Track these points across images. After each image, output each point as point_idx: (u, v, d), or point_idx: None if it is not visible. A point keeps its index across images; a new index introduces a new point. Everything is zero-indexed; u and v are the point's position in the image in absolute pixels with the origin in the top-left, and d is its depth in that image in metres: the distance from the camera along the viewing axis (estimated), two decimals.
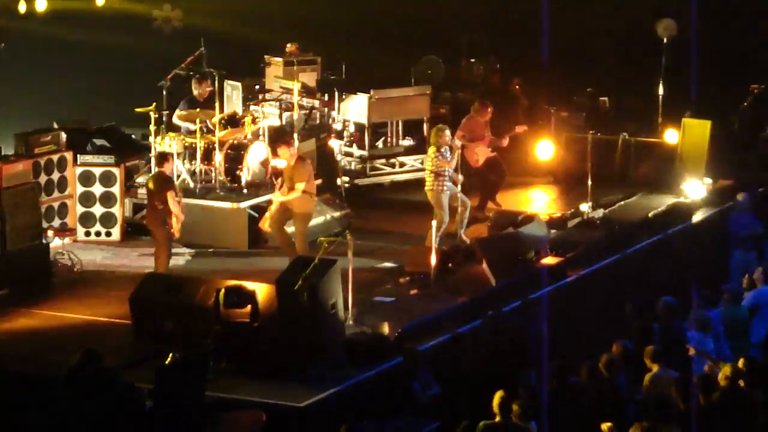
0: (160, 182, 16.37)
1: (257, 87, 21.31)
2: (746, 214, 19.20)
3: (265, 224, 17.01)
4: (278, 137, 17.90)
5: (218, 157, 18.38)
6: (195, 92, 19.32)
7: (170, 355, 12.56)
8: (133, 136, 20.64)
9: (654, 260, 18.17)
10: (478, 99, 19.77)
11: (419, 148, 20.54)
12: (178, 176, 18.46)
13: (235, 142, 18.63)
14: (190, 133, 18.60)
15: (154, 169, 17.44)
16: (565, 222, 18.69)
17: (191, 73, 19.63)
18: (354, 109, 20.86)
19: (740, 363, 12.89)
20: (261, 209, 18.29)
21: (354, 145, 20.91)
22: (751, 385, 12.61)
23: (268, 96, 20.84)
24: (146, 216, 16.86)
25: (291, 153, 16.92)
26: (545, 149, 20.41)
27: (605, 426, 11.68)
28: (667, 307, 14.83)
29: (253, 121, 18.90)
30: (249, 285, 14.18)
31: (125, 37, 24.25)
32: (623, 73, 23.99)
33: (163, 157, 16.85)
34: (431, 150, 17.36)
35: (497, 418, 11.99)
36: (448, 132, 17.45)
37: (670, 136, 20.90)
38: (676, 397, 12.39)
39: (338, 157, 20.18)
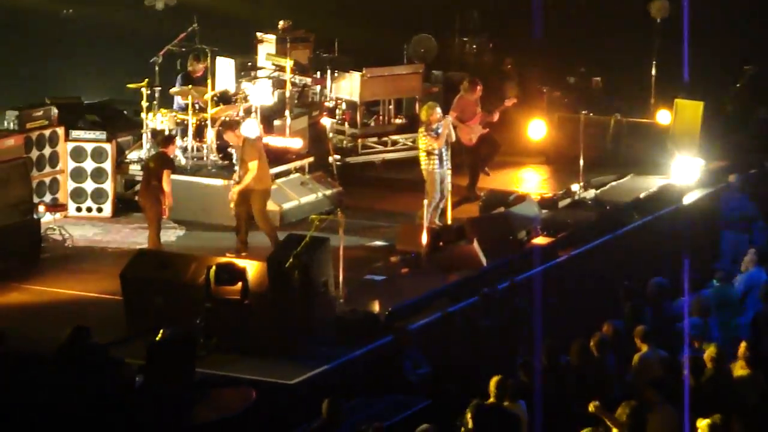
0: (161, 162, 16.35)
1: (249, 64, 21.26)
2: (738, 195, 19.21)
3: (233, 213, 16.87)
4: (224, 124, 17.71)
5: (210, 134, 18.35)
6: (190, 68, 19.28)
7: (161, 331, 12.57)
8: (125, 112, 20.60)
9: (645, 241, 18.18)
10: (467, 78, 19.70)
11: (411, 127, 20.50)
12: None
13: (227, 119, 18.58)
14: (183, 109, 18.57)
15: (154, 148, 17.46)
16: (556, 202, 18.69)
17: (183, 49, 19.60)
18: (346, 87, 20.82)
19: (741, 348, 12.89)
20: None
21: (346, 123, 20.88)
22: (750, 367, 12.66)
23: (260, 73, 20.79)
24: (139, 192, 16.83)
25: (236, 135, 16.85)
26: (537, 129, 20.39)
27: (592, 405, 11.70)
28: (658, 287, 14.85)
29: (245, 99, 18.87)
30: (240, 262, 14.20)
31: (118, 14, 24.17)
32: (616, 54, 23.95)
33: (169, 140, 16.96)
34: (422, 128, 17.29)
35: (491, 399, 11.99)
36: (438, 109, 17.28)
37: (663, 116, 20.90)
38: (665, 377, 12.41)
39: (330, 135, 20.14)
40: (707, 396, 12.19)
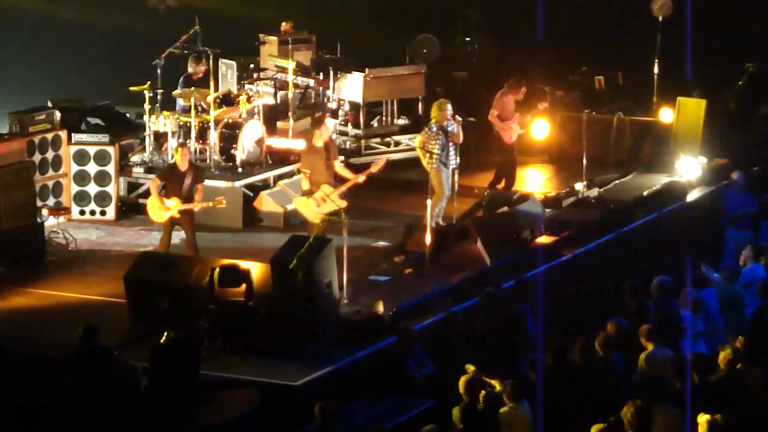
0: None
1: (252, 66, 21.27)
2: (741, 192, 19.20)
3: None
4: (315, 122, 17.45)
5: (213, 136, 18.36)
6: (191, 70, 19.30)
7: (165, 333, 12.57)
8: (128, 115, 20.61)
9: (649, 239, 18.18)
10: (513, 76, 19.55)
11: (414, 127, 20.50)
12: (172, 156, 18.44)
13: (230, 121, 18.60)
14: (186, 111, 18.58)
15: (156, 150, 17.55)
16: (560, 201, 18.68)
17: (185, 51, 19.61)
18: (349, 88, 20.82)
19: (738, 342, 12.89)
20: (255, 188, 18.30)
21: (349, 124, 20.89)
22: (749, 363, 12.63)
23: (262, 75, 20.80)
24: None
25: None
26: (540, 128, 20.36)
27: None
28: (662, 285, 14.82)
29: (248, 100, 18.88)
30: (244, 264, 14.19)
31: (120, 16, 24.19)
32: (619, 52, 23.95)
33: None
34: (426, 127, 17.25)
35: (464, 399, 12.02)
36: (449, 107, 17.16)
37: (665, 115, 20.88)
38: (671, 376, 12.38)
39: (333, 136, 20.14)
40: (716, 397, 12.14)
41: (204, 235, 17.51)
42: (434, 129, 17.01)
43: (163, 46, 19.67)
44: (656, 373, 12.46)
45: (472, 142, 19.74)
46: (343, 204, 15.93)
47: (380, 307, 14.58)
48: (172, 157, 18.35)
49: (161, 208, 16.13)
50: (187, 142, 18.36)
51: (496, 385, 12.23)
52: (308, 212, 16.26)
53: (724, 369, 12.52)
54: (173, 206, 16.08)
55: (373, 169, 16.59)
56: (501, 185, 19.15)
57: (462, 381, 12.15)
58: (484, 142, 20.10)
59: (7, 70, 22.58)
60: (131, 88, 18.74)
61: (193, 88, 18.72)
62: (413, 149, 20.06)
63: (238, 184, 18.05)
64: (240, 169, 18.34)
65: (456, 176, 17.23)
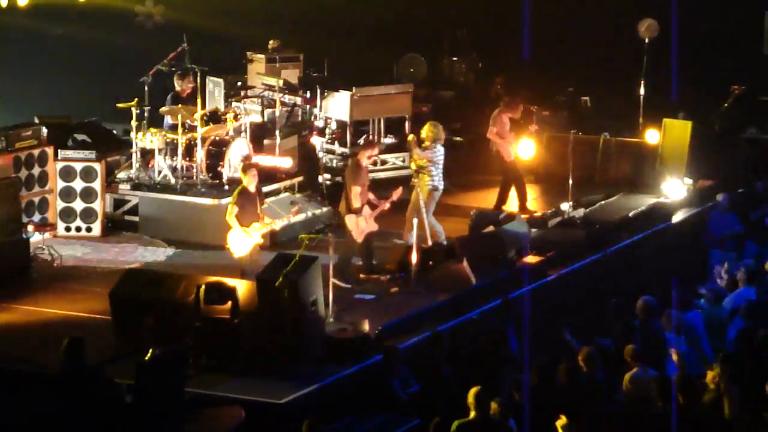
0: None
1: (239, 83, 21.29)
2: (726, 214, 19.27)
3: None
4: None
5: (200, 154, 18.37)
6: (177, 88, 19.32)
7: (150, 350, 12.54)
8: (115, 132, 20.60)
9: (634, 259, 18.21)
10: (507, 95, 19.70)
11: (401, 146, 20.54)
12: (159, 172, 18.44)
13: (217, 138, 18.61)
14: (173, 128, 18.59)
15: (143, 168, 17.51)
16: (545, 221, 18.71)
17: (173, 68, 19.63)
18: (336, 106, 20.85)
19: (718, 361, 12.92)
20: None
21: (336, 142, 20.91)
22: (730, 382, 12.65)
23: (250, 92, 20.82)
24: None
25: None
26: (527, 148, 20.39)
27: (560, 423, 11.75)
28: (646, 306, 14.86)
29: (235, 118, 18.89)
30: (229, 281, 14.18)
31: (107, 33, 24.20)
32: (605, 73, 24.04)
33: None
34: (417, 148, 17.38)
35: (472, 414, 11.95)
36: (441, 128, 17.52)
37: (651, 136, 20.95)
38: (655, 397, 12.41)
39: (320, 155, 20.16)
40: (705, 418, 12.15)
41: (189, 252, 17.53)
42: (438, 148, 17.20)
43: (151, 63, 19.67)
44: (640, 394, 12.49)
45: (460, 162, 19.78)
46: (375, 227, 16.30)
47: (366, 326, 14.58)
48: (159, 173, 18.37)
49: (248, 237, 15.61)
50: (174, 158, 18.37)
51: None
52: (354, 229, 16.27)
53: (713, 389, 12.54)
54: (258, 231, 15.77)
55: (394, 197, 16.67)
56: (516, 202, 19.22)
57: (472, 393, 12.10)
58: (473, 161, 20.14)
59: None
60: (118, 105, 18.74)
61: (180, 105, 18.74)
62: (399, 168, 20.17)
63: (224, 201, 18.02)
64: (226, 187, 18.33)
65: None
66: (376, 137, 21.13)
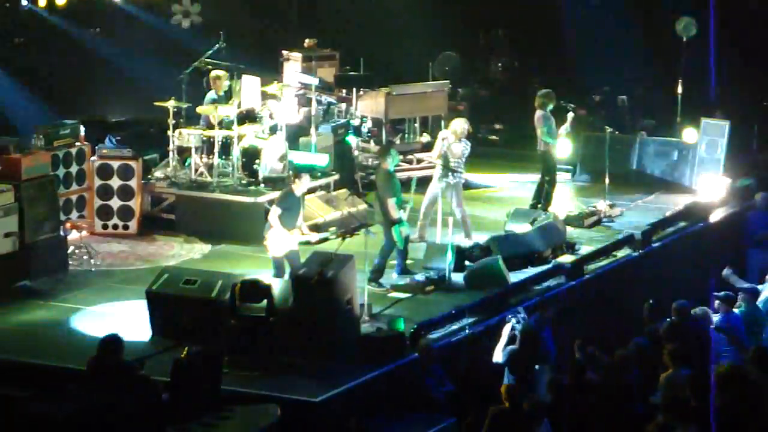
0: None
1: (276, 82, 21.31)
2: (764, 213, 19.14)
3: None
4: None
5: (236, 152, 18.41)
6: (213, 87, 19.36)
7: (186, 348, 12.59)
8: (152, 130, 20.67)
9: (671, 259, 18.13)
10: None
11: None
12: (196, 170, 18.50)
13: (253, 136, 18.62)
14: (209, 127, 18.64)
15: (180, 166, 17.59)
16: (582, 220, 18.66)
17: (209, 67, 19.68)
18: (371, 104, 20.86)
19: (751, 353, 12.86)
20: None
21: (371, 140, 20.91)
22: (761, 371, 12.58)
23: (286, 91, 20.82)
24: None
25: None
26: (563, 147, 20.36)
27: None
28: (680, 309, 14.78)
29: (271, 116, 18.92)
30: (265, 279, 14.21)
31: (144, 31, 24.28)
32: (642, 72, 23.94)
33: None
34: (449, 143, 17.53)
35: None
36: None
37: (689, 135, 20.86)
38: (689, 395, 12.35)
39: (355, 153, 20.19)
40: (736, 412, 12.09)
41: (225, 250, 17.57)
42: (468, 143, 17.27)
43: (188, 61, 19.74)
44: (675, 394, 12.43)
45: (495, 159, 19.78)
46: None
47: (401, 325, 14.57)
48: (196, 171, 18.43)
49: (287, 239, 15.36)
50: (210, 156, 18.43)
51: None
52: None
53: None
54: (296, 239, 15.55)
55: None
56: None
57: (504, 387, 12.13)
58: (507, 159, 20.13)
59: (33, 84, 22.63)
60: (156, 103, 18.81)
61: (216, 103, 18.78)
62: (434, 166, 20.12)
63: (260, 199, 18.08)
64: (262, 185, 18.37)
65: None
66: (411, 136, 21.13)
